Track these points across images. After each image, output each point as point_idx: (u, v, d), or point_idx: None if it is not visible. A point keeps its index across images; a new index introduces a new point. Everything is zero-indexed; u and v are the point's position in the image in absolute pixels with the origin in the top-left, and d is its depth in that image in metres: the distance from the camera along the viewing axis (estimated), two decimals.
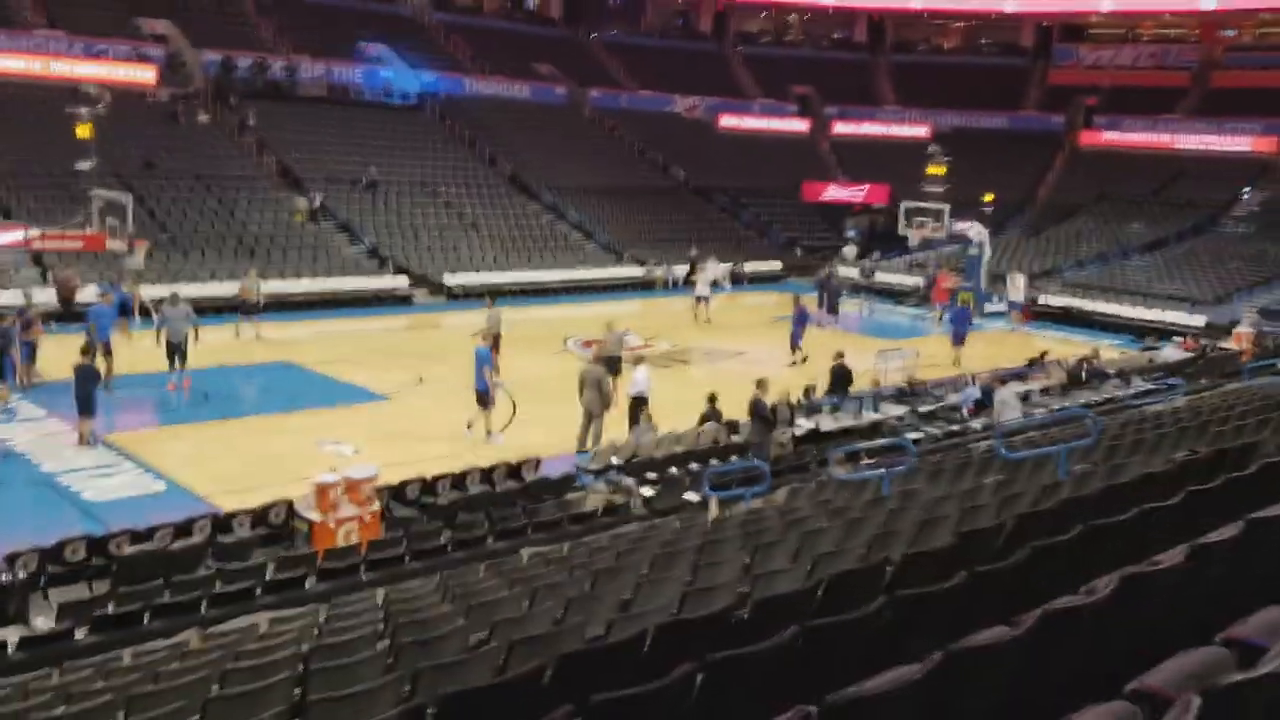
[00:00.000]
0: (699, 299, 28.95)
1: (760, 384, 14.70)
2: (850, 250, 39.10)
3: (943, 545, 5.02)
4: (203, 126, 35.72)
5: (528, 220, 37.51)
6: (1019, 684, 2.99)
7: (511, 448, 15.48)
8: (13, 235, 17.10)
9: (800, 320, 23.54)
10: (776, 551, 7.05)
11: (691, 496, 12.60)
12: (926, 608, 3.61)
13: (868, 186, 43.44)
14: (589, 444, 16.39)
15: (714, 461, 14.37)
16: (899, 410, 17.15)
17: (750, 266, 37.19)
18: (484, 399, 16.83)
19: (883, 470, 10.58)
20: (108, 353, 17.98)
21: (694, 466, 14.21)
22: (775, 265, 38.60)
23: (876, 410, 17.11)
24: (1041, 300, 31.12)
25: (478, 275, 32.20)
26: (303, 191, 34.37)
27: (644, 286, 34.72)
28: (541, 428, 17.40)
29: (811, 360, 21.86)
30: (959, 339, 23.58)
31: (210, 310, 26.07)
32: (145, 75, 35.90)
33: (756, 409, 14.33)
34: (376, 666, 5.70)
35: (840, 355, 18.02)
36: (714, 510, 12.18)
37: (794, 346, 23.20)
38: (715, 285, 34.45)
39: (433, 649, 5.78)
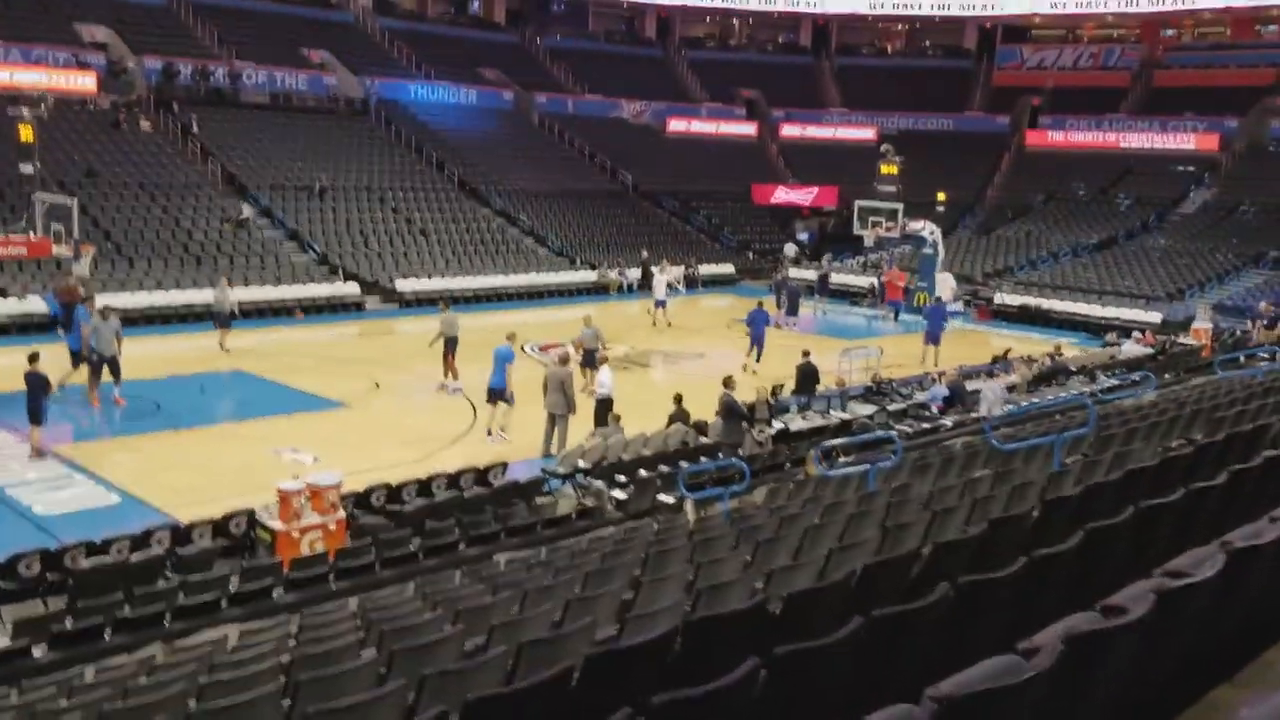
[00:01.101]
0: (657, 303, 28.73)
1: (728, 382, 14.55)
2: (791, 249, 39.21)
3: (976, 533, 4.85)
4: (145, 134, 34.88)
5: (478, 225, 37.09)
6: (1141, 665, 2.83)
7: (476, 453, 15.17)
8: None
9: (757, 322, 23.14)
10: (778, 548, 6.86)
11: (665, 498, 12.38)
12: (993, 593, 3.43)
13: (817, 189, 43.63)
14: (555, 448, 16.10)
15: (684, 463, 14.18)
16: (867, 409, 17.07)
17: (704, 270, 37.11)
18: (497, 396, 16.78)
19: (867, 465, 10.43)
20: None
21: (664, 468, 14.00)
22: (728, 268, 38.58)
23: (844, 409, 17.03)
24: (997, 299, 31.39)
25: (430, 281, 31.75)
26: (248, 198, 33.66)
27: (598, 290, 34.47)
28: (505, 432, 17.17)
29: (772, 362, 21.71)
30: (934, 338, 23.45)
31: (159, 320, 25.59)
32: (85, 82, 34.99)
33: (729, 407, 14.14)
34: (367, 676, 5.39)
35: (806, 354, 17.93)
36: (690, 511, 11.99)
37: (755, 347, 22.81)
38: (671, 289, 34.40)
39: (427, 656, 5.49)
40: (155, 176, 32.66)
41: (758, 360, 22.35)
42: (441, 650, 5.58)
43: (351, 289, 30.48)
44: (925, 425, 15.93)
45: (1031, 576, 3.47)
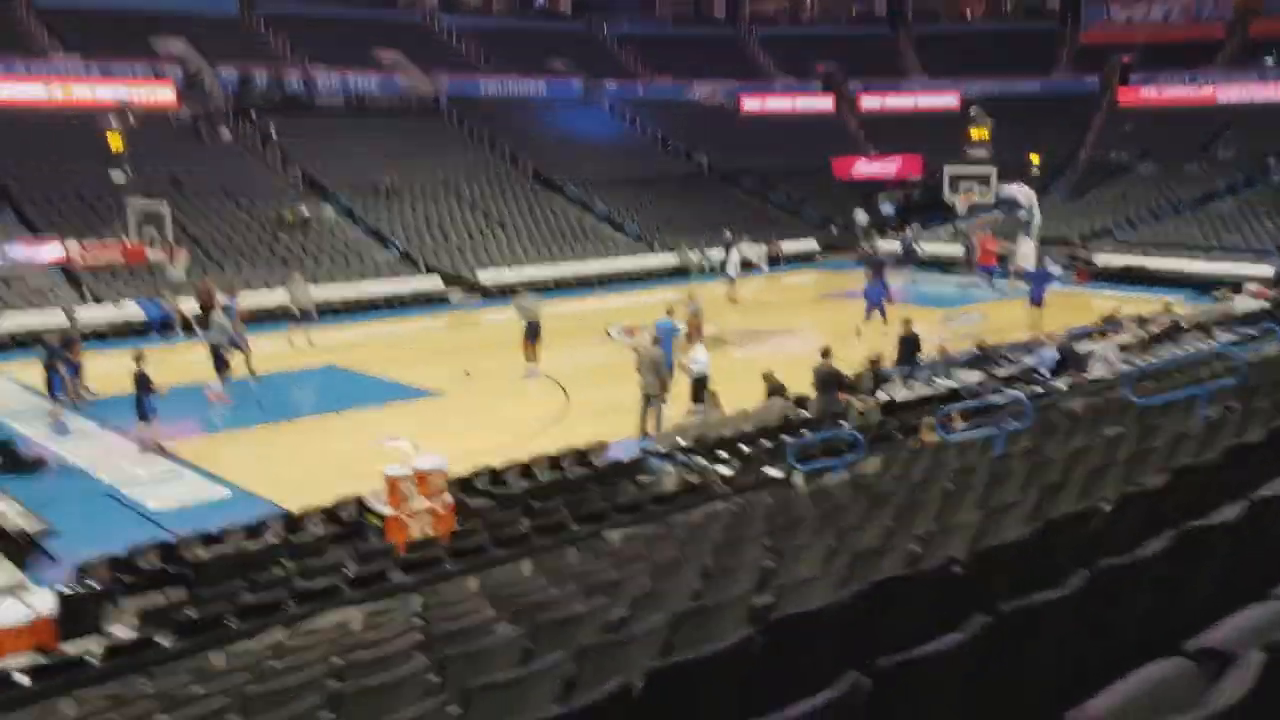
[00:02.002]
0: (729, 280, 28.32)
1: (826, 352, 14.13)
2: (862, 216, 38.63)
3: (1157, 485, 4.44)
4: (225, 142, 35.47)
5: (555, 215, 37.02)
6: None
7: (572, 435, 14.99)
8: (53, 251, 16.67)
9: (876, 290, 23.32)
10: (915, 514, 6.49)
11: (773, 471, 12.03)
12: (1210, 543, 3.07)
13: (899, 159, 42.59)
14: (650, 428, 15.87)
15: (786, 437, 13.83)
16: (974, 375, 16.52)
17: (785, 246, 36.55)
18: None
19: (992, 429, 9.95)
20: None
21: (766, 443, 13.66)
22: (811, 244, 37.91)
23: (949, 377, 16.49)
24: (1099, 260, 30.32)
25: (510, 271, 31.77)
26: (329, 200, 34.06)
27: (678, 273, 34.12)
28: (595, 415, 16.98)
29: (868, 334, 21.24)
30: (1037, 300, 22.68)
31: (249, 320, 25.90)
32: (165, 94, 35.68)
33: (826, 378, 13.73)
34: (511, 651, 5.17)
35: (908, 322, 17.38)
36: (800, 483, 11.65)
37: (876, 310, 23.13)
38: (751, 267, 33.94)
39: (570, 630, 5.24)
40: (238, 183, 33.17)
41: (883, 318, 22.63)
42: (583, 624, 5.34)
43: (434, 283, 30.64)
44: (1038, 390, 15.30)
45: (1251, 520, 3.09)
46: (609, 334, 24.72)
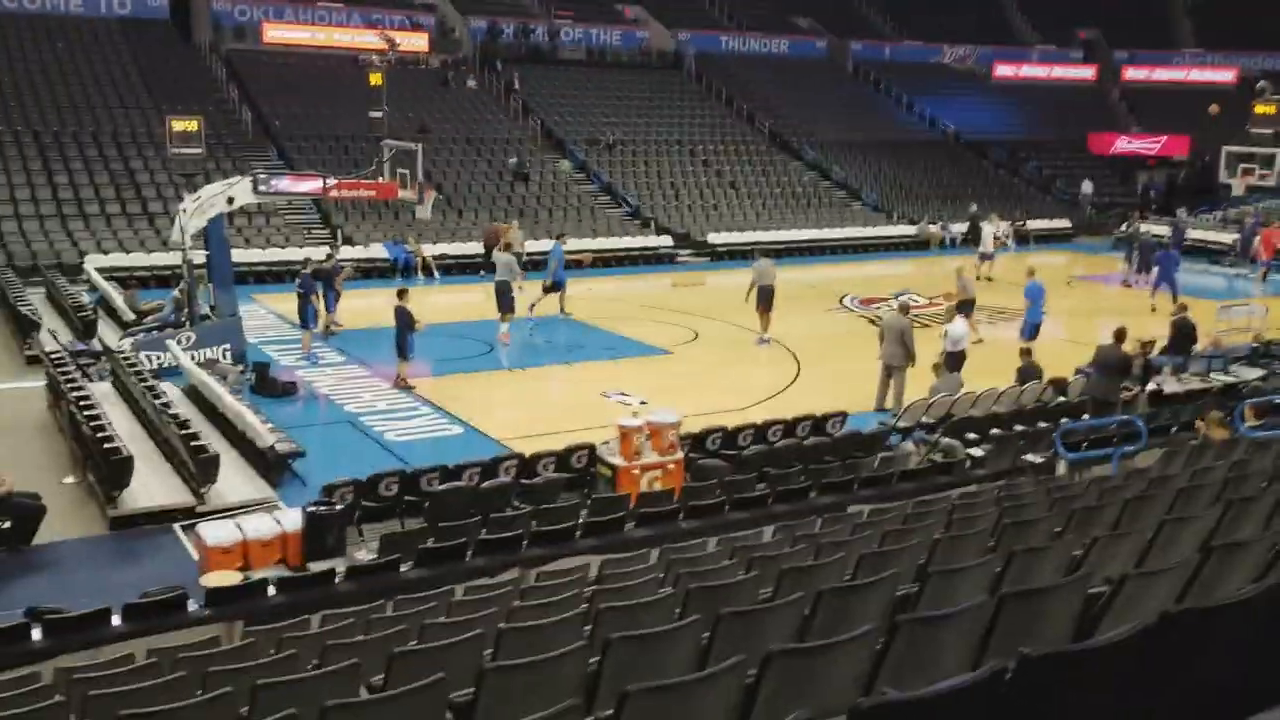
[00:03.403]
0: (983, 257, 26.80)
1: (1120, 335, 12.88)
2: (1088, 186, 36.91)
3: None
4: (471, 91, 36.45)
5: (789, 178, 36.17)
6: None
7: (799, 404, 14.39)
8: (312, 184, 17.41)
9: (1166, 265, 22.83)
10: (1253, 509, 5.58)
11: (1032, 457, 11.06)
12: None
13: (1164, 138, 39.31)
14: (889, 401, 15.06)
15: (1043, 422, 12.77)
16: (1254, 372, 14.82)
17: (1034, 225, 34.38)
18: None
19: None
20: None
21: (1020, 426, 12.65)
22: (1063, 223, 35.52)
23: (1226, 372, 14.86)
24: None
25: (741, 234, 31.24)
26: (566, 153, 34.48)
27: (917, 246, 32.69)
28: (827, 384, 16.31)
29: (1129, 321, 19.52)
30: None
31: (489, 269, 26.55)
32: (418, 42, 36.96)
33: (1111, 361, 12.52)
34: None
35: (1183, 309, 15.78)
36: (1062, 472, 10.66)
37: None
38: (998, 244, 32.08)
39: (863, 598, 4.71)
40: (480, 131, 34.05)
41: (1173, 298, 21.42)
42: (868, 595, 4.79)
43: (664, 241, 30.50)
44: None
45: None
46: (842, 304, 23.95)
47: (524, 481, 10.83)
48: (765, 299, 19.43)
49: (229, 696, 4.35)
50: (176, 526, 10.66)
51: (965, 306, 18.21)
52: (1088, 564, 4.93)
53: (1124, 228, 29.38)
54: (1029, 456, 11.04)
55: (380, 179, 17.48)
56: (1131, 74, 44.81)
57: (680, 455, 11.45)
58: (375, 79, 21.88)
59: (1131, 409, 12.47)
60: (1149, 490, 7.16)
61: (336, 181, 16.92)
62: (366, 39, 35.35)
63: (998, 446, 11.56)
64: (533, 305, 20.07)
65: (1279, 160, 25.75)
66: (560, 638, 4.53)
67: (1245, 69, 41.46)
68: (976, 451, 11.56)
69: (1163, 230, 29.72)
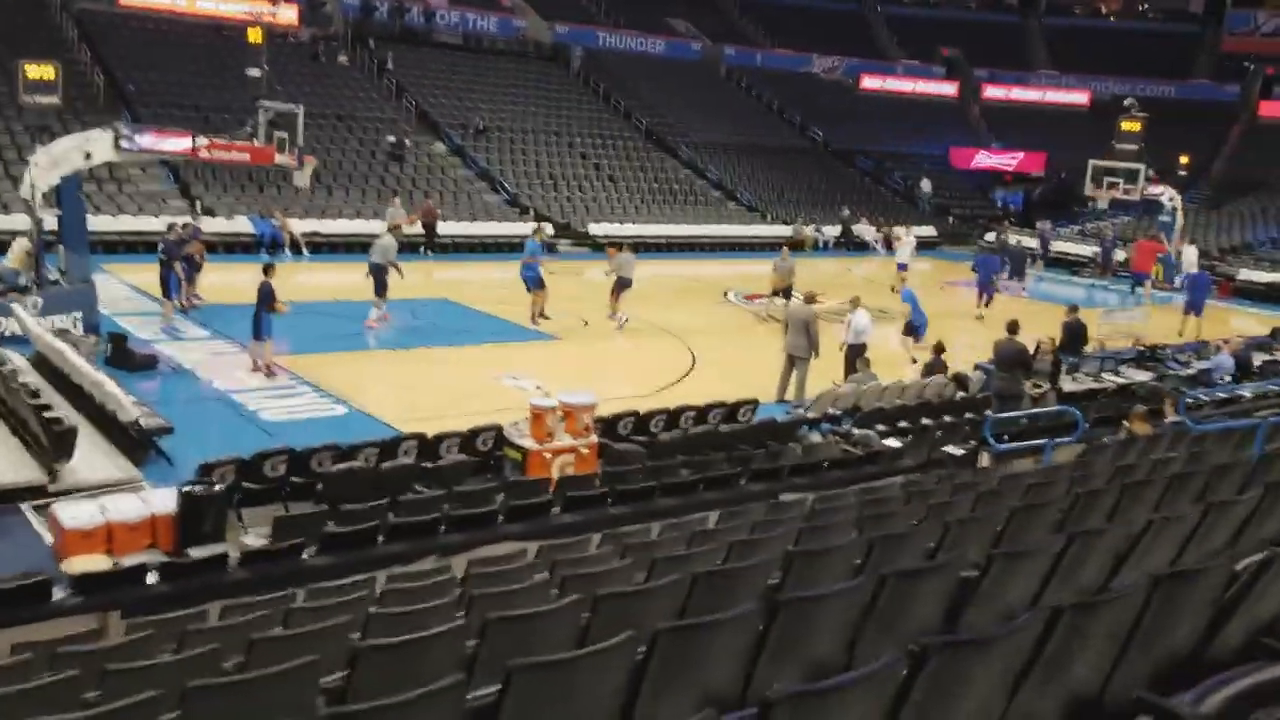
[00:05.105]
0: (901, 266, 25.93)
1: (1013, 328, 12.88)
2: (926, 185, 38.86)
3: None
4: (342, 68, 34.88)
5: (666, 175, 35.92)
6: None
7: (694, 394, 13.92)
8: (181, 143, 15.96)
9: (984, 268, 22.95)
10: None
11: (952, 449, 10.86)
12: None
13: (1021, 154, 40.79)
14: (790, 393, 14.74)
15: (947, 416, 12.66)
16: (1143, 374, 15.17)
17: (902, 231, 35.02)
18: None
19: (1247, 421, 8.70)
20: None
21: (926, 421, 12.50)
22: (930, 231, 36.34)
23: (1116, 373, 15.16)
24: (1242, 275, 28.47)
25: (620, 227, 30.72)
26: (442, 137, 33.34)
27: (792, 246, 32.77)
28: (721, 375, 15.92)
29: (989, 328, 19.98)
30: (1195, 308, 21.13)
31: (358, 248, 25.24)
32: (288, 15, 35.20)
33: (1013, 356, 12.50)
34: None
35: (1074, 309, 16.02)
36: (985, 463, 10.50)
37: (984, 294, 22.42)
38: (869, 249, 32.67)
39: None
40: (352, 109, 32.58)
41: (987, 306, 21.88)
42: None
43: (544, 229, 29.68)
44: (1221, 395, 13.92)
45: None
46: (727, 298, 23.72)
47: (425, 465, 9.98)
48: (621, 288, 19.31)
49: (151, 704, 3.46)
50: (24, 507, 9.38)
51: (786, 292, 19.75)
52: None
53: (991, 237, 30.19)
54: (949, 449, 10.84)
55: (256, 142, 16.22)
56: (990, 92, 46.41)
57: (594, 440, 10.79)
58: (255, 35, 20.46)
59: (1043, 406, 12.45)
60: (1112, 481, 6.92)
61: (208, 141, 15.54)
62: (230, 8, 33.49)
63: (915, 439, 11.33)
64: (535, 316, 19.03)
65: (1141, 176, 26.95)
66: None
67: (1097, 92, 43.45)
68: (893, 443, 11.31)
69: (1031, 242, 30.69)
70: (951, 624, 3.99)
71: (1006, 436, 10.84)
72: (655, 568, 5.24)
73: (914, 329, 17.75)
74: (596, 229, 30.22)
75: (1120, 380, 14.84)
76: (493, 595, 5.02)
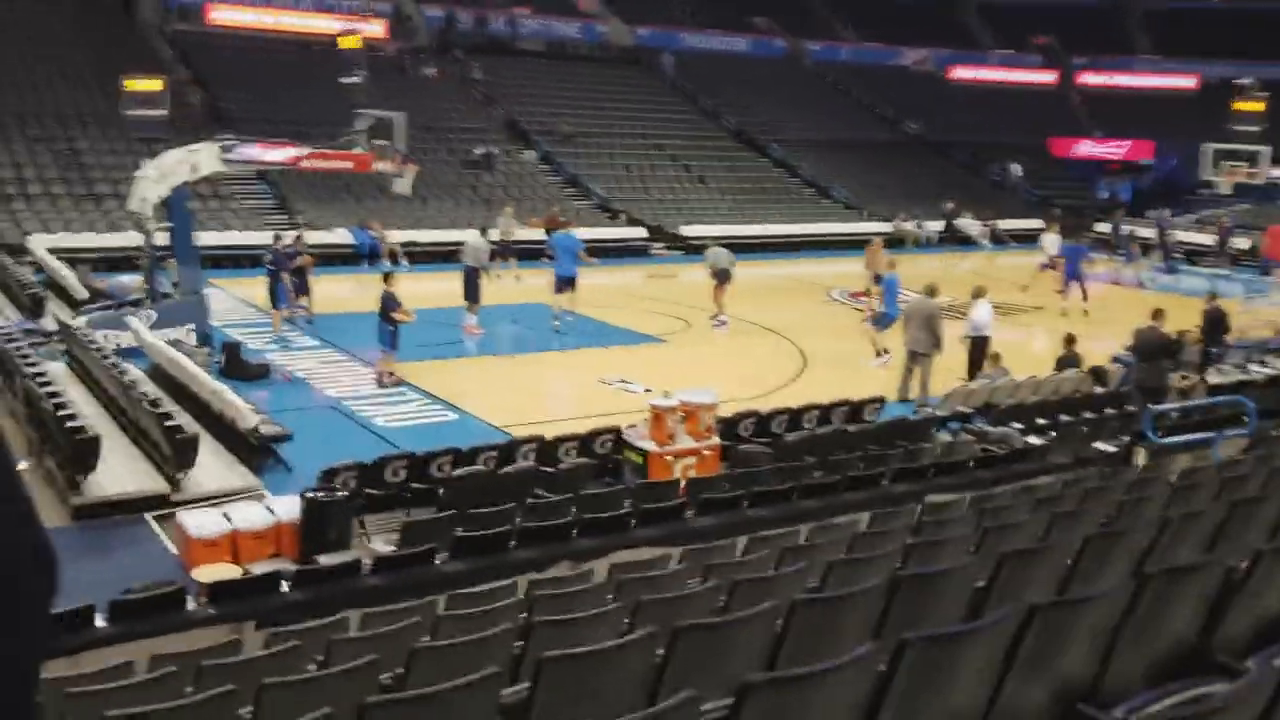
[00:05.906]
0: (1042, 266, 23.51)
1: (1156, 314, 12.10)
2: (1016, 169, 37.74)
3: None
4: (430, 79, 35.07)
5: (758, 175, 35.38)
6: None
7: (812, 393, 13.38)
8: (283, 152, 16.01)
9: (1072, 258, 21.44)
10: None
11: (1103, 446, 10.16)
12: None
13: (1129, 142, 39.20)
14: (914, 391, 14.09)
15: (1087, 412, 11.93)
16: None
17: (1003, 225, 34.01)
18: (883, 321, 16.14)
19: None
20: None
21: (1064, 417, 11.79)
22: (1035, 223, 35.08)
23: (1263, 363, 14.22)
24: None
25: (714, 228, 30.17)
26: (532, 144, 33.29)
27: (893, 243, 31.93)
28: (835, 374, 15.33)
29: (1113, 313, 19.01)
30: None
31: (454, 257, 25.22)
32: (374, 29, 35.47)
33: (1158, 345, 11.72)
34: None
35: (1213, 296, 15.10)
36: (1142, 460, 9.78)
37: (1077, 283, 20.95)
38: (972, 243, 31.73)
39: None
40: (441, 120, 32.64)
41: (1084, 299, 20.48)
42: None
43: (637, 233, 29.45)
44: None
45: None
46: (830, 297, 23.13)
47: (544, 469, 9.67)
48: (722, 281, 19.03)
49: None
50: (148, 516, 9.30)
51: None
52: None
53: (1107, 228, 28.97)
54: (1099, 445, 10.14)
55: (357, 149, 16.16)
56: (1090, 79, 44.78)
57: (716, 440, 10.36)
58: (351, 42, 20.47)
59: (1193, 398, 11.66)
60: None
61: (310, 151, 15.50)
62: (318, 24, 33.91)
63: (1060, 435, 10.65)
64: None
65: (1266, 157, 25.53)
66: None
67: (1206, 76, 41.59)
68: (1035, 440, 10.65)
69: (1147, 231, 29.33)
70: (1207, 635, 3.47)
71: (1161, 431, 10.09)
72: (832, 572, 4.77)
73: (883, 319, 16.43)
74: (689, 231, 29.80)
75: (1269, 371, 13.90)
76: (658, 602, 4.62)
